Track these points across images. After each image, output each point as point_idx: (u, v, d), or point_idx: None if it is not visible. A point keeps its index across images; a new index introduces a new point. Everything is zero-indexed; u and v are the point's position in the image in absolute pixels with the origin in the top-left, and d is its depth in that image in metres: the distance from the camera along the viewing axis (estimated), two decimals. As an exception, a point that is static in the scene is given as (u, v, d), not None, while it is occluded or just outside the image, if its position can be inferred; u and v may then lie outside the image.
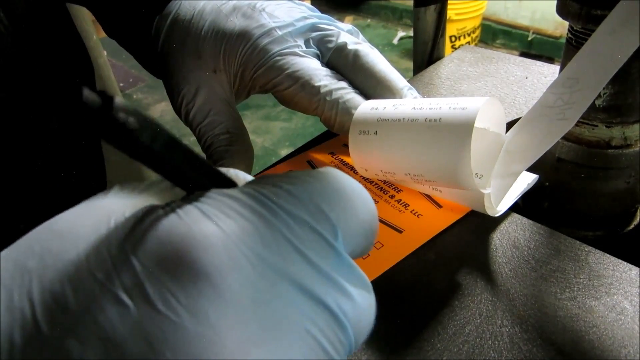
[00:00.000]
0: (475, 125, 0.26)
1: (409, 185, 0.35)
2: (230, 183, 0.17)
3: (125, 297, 0.13)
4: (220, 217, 0.14)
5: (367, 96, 0.35)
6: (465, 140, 0.26)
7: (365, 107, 0.32)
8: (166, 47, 0.37)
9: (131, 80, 2.46)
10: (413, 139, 0.29)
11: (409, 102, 0.30)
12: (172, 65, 0.36)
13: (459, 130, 0.27)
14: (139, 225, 0.14)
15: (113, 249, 0.13)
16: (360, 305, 0.17)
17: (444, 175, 0.28)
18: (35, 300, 0.13)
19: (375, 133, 0.30)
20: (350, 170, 0.38)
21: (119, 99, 0.12)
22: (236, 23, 0.35)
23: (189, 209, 0.14)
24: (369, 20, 3.00)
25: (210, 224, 0.14)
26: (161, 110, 2.28)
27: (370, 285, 0.18)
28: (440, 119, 0.28)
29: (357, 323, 0.17)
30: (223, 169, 0.18)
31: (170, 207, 0.14)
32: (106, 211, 0.15)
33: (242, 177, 0.19)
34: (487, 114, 0.29)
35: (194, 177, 0.16)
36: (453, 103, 0.28)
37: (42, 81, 0.33)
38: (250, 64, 0.35)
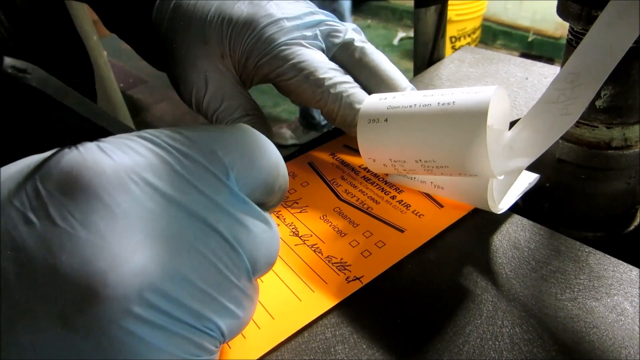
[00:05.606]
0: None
1: (417, 179, 0.34)
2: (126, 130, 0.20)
3: (32, 216, 0.16)
4: (115, 151, 0.17)
5: (370, 93, 0.35)
6: (481, 120, 0.26)
7: (373, 98, 0.32)
8: (170, 33, 0.36)
9: (131, 80, 2.46)
10: (426, 122, 0.28)
11: (419, 92, 0.30)
12: (177, 51, 0.36)
13: (474, 111, 0.26)
14: (48, 161, 0.17)
15: (28, 181, 0.17)
16: (257, 235, 0.20)
17: (458, 159, 0.27)
18: None
19: (386, 120, 0.30)
20: (352, 171, 0.38)
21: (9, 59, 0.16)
22: (243, 9, 0.35)
23: (89, 145, 0.18)
24: (369, 21, 3.00)
25: (103, 156, 0.17)
26: (162, 110, 2.28)
27: (269, 219, 0.20)
28: (454, 102, 0.27)
29: (253, 250, 0.19)
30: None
31: (75, 146, 0.18)
32: (31, 159, 0.18)
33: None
34: (493, 108, 0.29)
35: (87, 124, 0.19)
36: (465, 90, 0.28)
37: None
38: (254, 52, 0.35)
